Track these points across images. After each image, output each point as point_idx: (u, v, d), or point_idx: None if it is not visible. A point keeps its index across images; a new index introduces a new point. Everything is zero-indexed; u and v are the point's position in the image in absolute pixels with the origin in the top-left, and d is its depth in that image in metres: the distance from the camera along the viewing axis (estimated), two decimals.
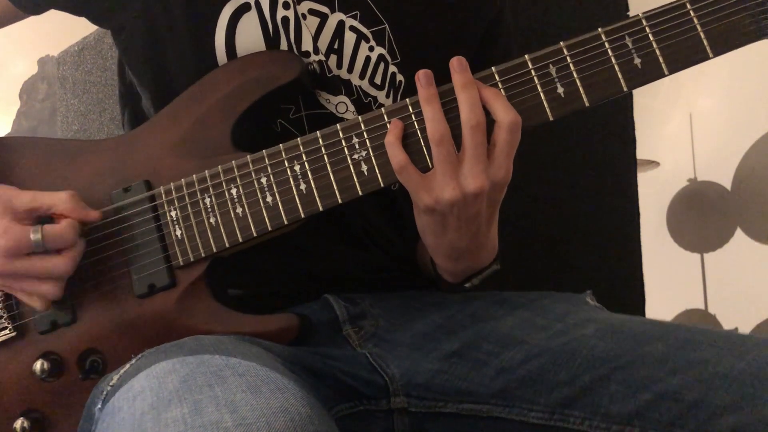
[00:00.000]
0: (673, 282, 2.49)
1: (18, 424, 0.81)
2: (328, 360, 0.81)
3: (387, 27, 0.92)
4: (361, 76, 0.91)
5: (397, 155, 0.76)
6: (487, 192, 0.75)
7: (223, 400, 0.56)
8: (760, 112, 2.27)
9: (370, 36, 0.91)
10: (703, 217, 2.52)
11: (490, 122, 0.76)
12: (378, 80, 0.92)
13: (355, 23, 0.90)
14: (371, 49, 0.91)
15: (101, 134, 1.78)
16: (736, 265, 2.41)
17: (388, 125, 0.78)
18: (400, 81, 0.93)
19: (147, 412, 0.58)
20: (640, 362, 0.72)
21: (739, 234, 2.42)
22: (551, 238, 1.37)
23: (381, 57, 0.92)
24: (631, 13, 1.36)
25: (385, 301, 0.90)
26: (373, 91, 0.92)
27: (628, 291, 1.39)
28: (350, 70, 0.90)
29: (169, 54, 0.90)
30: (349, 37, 0.90)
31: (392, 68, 0.92)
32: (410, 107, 0.78)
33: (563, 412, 0.74)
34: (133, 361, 0.71)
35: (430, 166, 0.77)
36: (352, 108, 0.89)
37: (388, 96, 0.92)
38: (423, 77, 0.77)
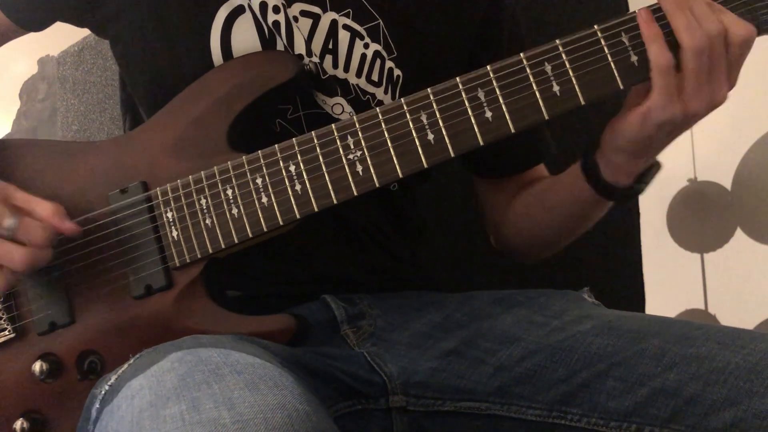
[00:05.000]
0: (673, 282, 2.48)
1: (18, 424, 0.81)
2: (326, 359, 0.81)
3: (381, 22, 0.92)
4: (358, 74, 0.91)
5: (665, 53, 0.72)
6: None
7: (221, 397, 0.57)
8: (760, 112, 2.26)
9: (364, 33, 0.91)
10: (703, 217, 2.51)
11: None
12: (375, 77, 0.92)
13: (348, 21, 0.90)
14: (366, 46, 0.91)
15: (101, 134, 1.78)
16: (736, 265, 2.40)
17: (383, 124, 0.78)
18: (398, 76, 0.93)
19: (145, 410, 0.59)
20: (637, 358, 0.72)
21: (739, 234, 2.41)
22: None
23: (377, 53, 0.92)
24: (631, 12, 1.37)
25: (383, 301, 0.90)
26: (371, 89, 0.91)
27: (628, 291, 1.38)
28: (346, 68, 0.90)
29: (165, 62, 0.90)
30: (343, 36, 0.90)
31: (389, 63, 0.92)
32: (405, 106, 0.78)
33: (561, 409, 0.74)
34: (131, 361, 0.71)
35: (425, 166, 0.77)
36: (348, 109, 0.89)
37: (386, 92, 0.92)
38: None
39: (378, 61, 0.92)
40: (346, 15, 0.90)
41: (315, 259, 0.92)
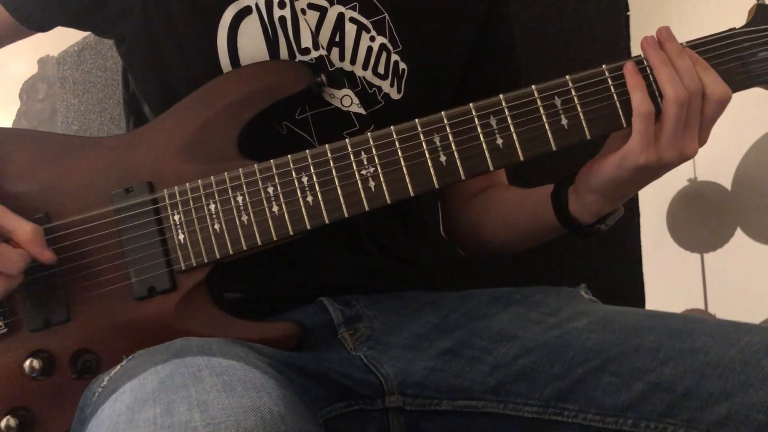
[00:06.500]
0: (673, 282, 2.47)
1: (4, 422, 0.80)
2: (322, 361, 0.80)
3: (387, 16, 0.92)
4: (365, 67, 0.91)
5: (647, 101, 0.77)
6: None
7: (195, 400, 0.57)
8: (760, 112, 2.26)
9: (370, 26, 0.92)
10: (703, 217, 2.51)
11: None
12: (381, 70, 0.92)
13: (355, 14, 0.91)
14: (372, 39, 0.92)
15: (101, 134, 1.79)
16: (736, 265, 2.39)
17: (397, 143, 0.79)
18: (403, 69, 0.93)
19: (123, 413, 0.59)
20: (632, 353, 0.72)
21: (739, 234, 2.41)
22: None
23: (383, 46, 0.92)
24: (631, 14, 1.37)
25: (380, 303, 0.90)
26: (377, 81, 0.92)
27: (628, 291, 1.38)
28: (353, 61, 0.91)
29: (172, 61, 0.90)
30: (350, 29, 0.91)
31: (394, 57, 0.93)
32: (419, 127, 0.79)
33: (557, 405, 0.74)
34: (124, 362, 0.71)
35: (436, 186, 0.78)
36: (356, 100, 0.90)
37: (392, 85, 0.93)
38: (656, 39, 0.80)
39: (384, 54, 0.92)
40: (353, 8, 0.91)
41: (315, 264, 0.92)
